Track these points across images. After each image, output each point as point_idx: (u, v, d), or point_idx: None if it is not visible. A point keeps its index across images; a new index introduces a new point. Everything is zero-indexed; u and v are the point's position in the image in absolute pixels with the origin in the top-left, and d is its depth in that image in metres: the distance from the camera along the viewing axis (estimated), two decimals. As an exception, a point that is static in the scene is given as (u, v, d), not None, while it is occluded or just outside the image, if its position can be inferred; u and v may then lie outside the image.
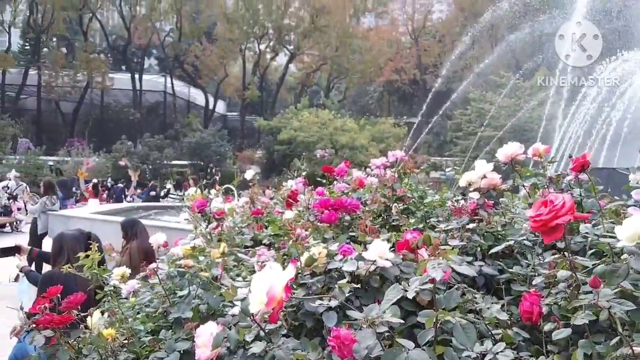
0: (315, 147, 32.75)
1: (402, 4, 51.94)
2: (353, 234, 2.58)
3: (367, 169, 3.82)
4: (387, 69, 47.55)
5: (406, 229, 2.57)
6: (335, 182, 3.77)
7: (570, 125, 13.88)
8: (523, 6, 33.55)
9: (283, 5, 44.54)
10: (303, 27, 44.96)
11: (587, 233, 1.83)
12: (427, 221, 2.83)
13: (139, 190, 23.29)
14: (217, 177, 25.61)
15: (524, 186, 2.57)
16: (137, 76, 48.03)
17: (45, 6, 42.93)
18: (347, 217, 2.74)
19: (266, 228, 3.21)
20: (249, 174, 4.19)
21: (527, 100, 25.69)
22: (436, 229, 2.38)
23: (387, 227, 2.84)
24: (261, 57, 47.84)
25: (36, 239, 10.56)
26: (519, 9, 33.96)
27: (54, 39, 49.82)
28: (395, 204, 2.84)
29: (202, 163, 34.25)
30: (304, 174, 3.92)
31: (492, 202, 2.58)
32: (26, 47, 50.24)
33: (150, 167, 32.51)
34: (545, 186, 2.51)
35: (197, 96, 52.00)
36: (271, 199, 3.96)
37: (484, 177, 2.55)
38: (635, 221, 1.41)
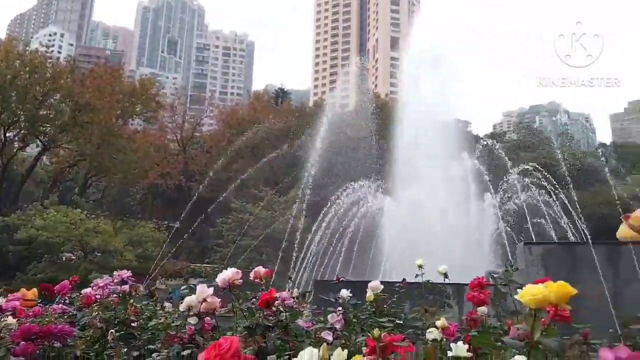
0: (61, 250, 29.20)
1: (172, 113, 53.30)
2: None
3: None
4: (153, 172, 46.78)
5: None
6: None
7: (313, 238, 15.47)
8: (281, 130, 37.80)
9: (41, 96, 40.94)
10: (62, 121, 41.77)
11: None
12: (147, 347, 2.73)
13: None
14: None
15: (241, 310, 2.72)
16: None
17: None
18: (58, 345, 2.47)
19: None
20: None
21: (282, 213, 28.04)
22: (148, 359, 2.31)
23: (103, 355, 2.64)
24: (7, 145, 42.17)
25: None
26: (278, 133, 38.14)
27: None
28: (113, 331, 2.67)
29: None
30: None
31: (212, 325, 2.64)
32: None
33: None
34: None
35: None
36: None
37: (204, 300, 2.62)
38: (304, 354, 1.59)
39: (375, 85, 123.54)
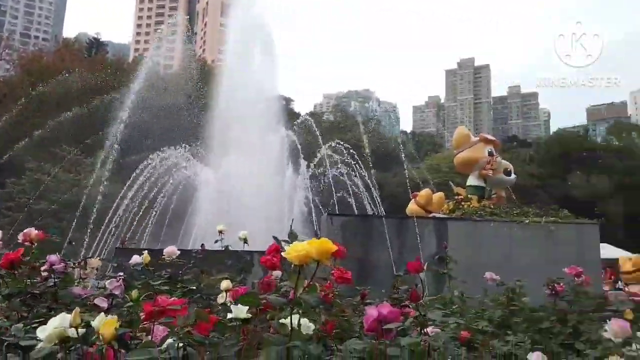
0: None
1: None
2: None
3: None
4: None
5: None
6: None
7: (120, 204, 14.46)
8: (93, 84, 34.20)
9: None
10: None
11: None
12: None
13: None
14: None
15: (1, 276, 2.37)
16: None
17: None
18: None
19: None
20: None
21: (88, 176, 25.58)
22: None
23: None
24: None
25: None
26: (89, 87, 34.40)
27: None
28: None
29: None
30: None
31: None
32: None
33: None
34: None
35: None
36: None
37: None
38: (54, 321, 1.42)
39: (203, 50, 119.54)
